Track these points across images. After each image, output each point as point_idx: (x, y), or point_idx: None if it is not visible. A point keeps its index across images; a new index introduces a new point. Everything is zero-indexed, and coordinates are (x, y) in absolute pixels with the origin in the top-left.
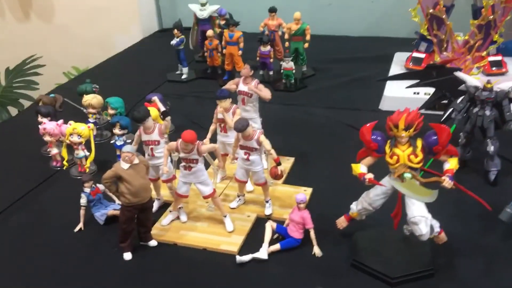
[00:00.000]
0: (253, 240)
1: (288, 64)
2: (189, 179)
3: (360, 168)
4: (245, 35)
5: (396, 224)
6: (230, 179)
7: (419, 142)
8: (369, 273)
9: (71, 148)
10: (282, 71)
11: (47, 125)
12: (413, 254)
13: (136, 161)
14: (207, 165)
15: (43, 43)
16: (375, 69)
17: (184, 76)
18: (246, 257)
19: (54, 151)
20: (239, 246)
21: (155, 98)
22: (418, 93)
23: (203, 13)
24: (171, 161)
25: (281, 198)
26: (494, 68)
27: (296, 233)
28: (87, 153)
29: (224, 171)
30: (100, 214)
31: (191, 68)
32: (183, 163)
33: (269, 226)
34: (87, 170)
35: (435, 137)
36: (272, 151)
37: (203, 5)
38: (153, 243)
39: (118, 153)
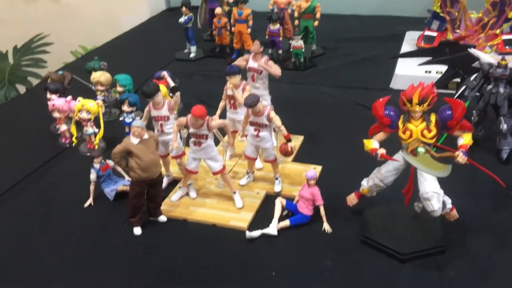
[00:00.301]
0: (262, 217)
1: (297, 43)
2: (199, 155)
3: (372, 143)
4: (254, 13)
5: (407, 201)
6: (240, 156)
7: (433, 117)
8: (379, 250)
9: (80, 125)
10: (291, 49)
11: (56, 101)
12: (424, 231)
13: (146, 136)
14: (216, 143)
15: (51, 22)
16: (385, 48)
17: (192, 55)
18: (256, 233)
19: (63, 127)
20: (248, 222)
21: (165, 73)
22: (430, 72)
23: None
24: (181, 137)
25: (291, 176)
26: (507, 47)
27: (305, 209)
28: (96, 130)
29: (234, 149)
30: (110, 190)
31: (199, 47)
32: (192, 139)
33: (279, 203)
34: (96, 147)
35: (449, 112)
36: (282, 128)
37: None
38: (162, 218)
39: (127, 130)
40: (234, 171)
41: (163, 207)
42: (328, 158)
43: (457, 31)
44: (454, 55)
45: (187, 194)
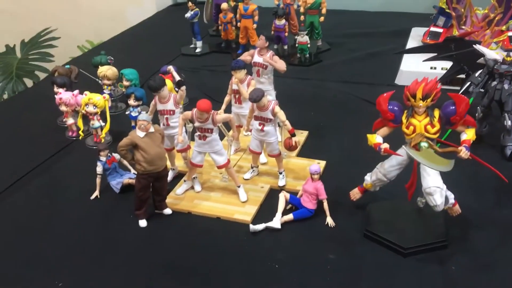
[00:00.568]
0: (266, 210)
1: (303, 38)
2: (203, 148)
3: (376, 138)
4: (260, 9)
5: (410, 196)
6: (244, 151)
7: (436, 112)
8: (382, 244)
9: (86, 118)
10: (297, 45)
11: (63, 95)
12: (427, 225)
13: (151, 129)
14: (221, 137)
15: (58, 17)
16: (391, 44)
17: (198, 50)
18: (260, 226)
19: (70, 121)
20: (252, 215)
21: (171, 68)
22: (435, 68)
23: None
24: (186, 132)
25: (295, 170)
26: None
27: (309, 203)
28: (103, 124)
29: (238, 143)
30: (116, 183)
31: (205, 42)
32: (198, 133)
33: (283, 196)
34: (103, 140)
35: (453, 107)
36: (287, 122)
37: None
38: (167, 211)
39: (133, 124)
40: (239, 165)
41: (168, 200)
42: (333, 153)
43: (463, 27)
44: (459, 51)
45: (192, 187)
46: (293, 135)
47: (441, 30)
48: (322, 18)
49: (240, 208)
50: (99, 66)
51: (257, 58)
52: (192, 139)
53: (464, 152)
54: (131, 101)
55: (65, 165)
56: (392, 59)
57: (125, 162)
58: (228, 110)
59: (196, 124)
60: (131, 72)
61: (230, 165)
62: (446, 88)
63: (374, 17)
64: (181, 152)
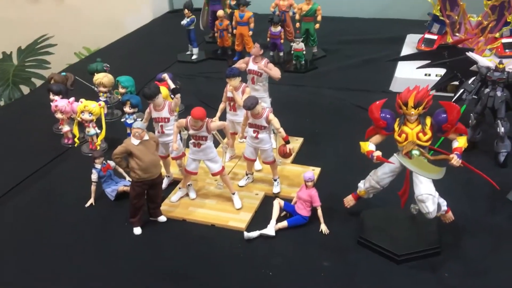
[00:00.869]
0: (261, 217)
1: (298, 45)
2: (198, 156)
3: (369, 146)
4: (255, 16)
5: (403, 203)
6: (239, 158)
7: (428, 120)
8: (376, 250)
9: (82, 125)
10: (292, 52)
11: (59, 102)
12: (420, 232)
13: (146, 137)
14: (216, 144)
15: (54, 24)
16: (386, 50)
17: (194, 57)
18: (254, 233)
19: (65, 128)
20: (247, 223)
21: (166, 75)
22: (429, 75)
23: None
24: (181, 139)
25: (290, 177)
26: (507, 50)
27: (303, 210)
28: (98, 131)
29: (233, 150)
30: (111, 190)
31: (201, 49)
32: (192, 140)
33: (277, 204)
34: (98, 147)
35: (444, 115)
36: (281, 130)
37: None
38: (162, 218)
39: (128, 131)
40: (234, 172)
41: (163, 207)
42: (327, 159)
43: (457, 34)
44: (452, 58)
45: (187, 194)
46: (287, 142)
47: (435, 37)
48: (317, 25)
49: (235, 215)
50: (95, 74)
51: (252, 66)
52: (187, 146)
53: (455, 160)
54: (127, 108)
55: (60, 172)
56: (387, 66)
57: (120, 170)
58: (223, 117)
59: (191, 131)
60: (127, 79)
61: (224, 172)
62: (441, 95)
63: (369, 24)
64: (176, 160)
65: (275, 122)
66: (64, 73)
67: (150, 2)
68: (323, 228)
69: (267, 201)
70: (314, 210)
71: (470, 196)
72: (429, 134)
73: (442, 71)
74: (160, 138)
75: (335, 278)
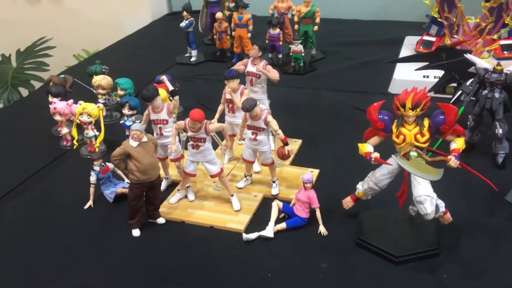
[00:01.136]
0: (259, 219)
1: (297, 47)
2: (196, 158)
3: (367, 147)
4: (254, 18)
5: (401, 204)
6: (238, 160)
7: (426, 122)
8: (374, 252)
9: (81, 127)
10: (291, 54)
11: (58, 105)
12: (418, 234)
13: (144, 139)
14: (215, 146)
15: (53, 26)
16: (384, 52)
17: (193, 59)
18: (252, 235)
19: (64, 130)
20: (245, 224)
21: (164, 78)
22: (428, 76)
23: None
24: (179, 140)
25: (288, 179)
26: (505, 52)
27: (302, 212)
28: (97, 133)
29: (232, 152)
30: (110, 192)
31: (200, 51)
32: (191, 142)
33: (276, 205)
34: (97, 149)
35: (442, 117)
36: (279, 131)
37: None
38: (161, 220)
39: (127, 133)
40: (233, 174)
41: (161, 209)
42: (326, 161)
43: (455, 36)
44: (450, 60)
45: (186, 196)
46: (285, 144)
47: (433, 39)
48: (316, 27)
49: (233, 217)
50: (94, 76)
51: (250, 68)
52: (186, 148)
53: (453, 161)
54: (126, 110)
55: (59, 174)
56: (386, 68)
57: (119, 172)
58: (221, 119)
59: (189, 133)
60: (126, 82)
61: (223, 174)
62: (440, 96)
63: (368, 26)
64: (174, 161)
65: (274, 124)
66: (63, 75)
67: (149, 4)
68: (322, 229)
69: (266, 202)
70: (312, 211)
71: (468, 197)
72: (427, 135)
73: (440, 72)
74: (159, 140)
75: (333, 280)
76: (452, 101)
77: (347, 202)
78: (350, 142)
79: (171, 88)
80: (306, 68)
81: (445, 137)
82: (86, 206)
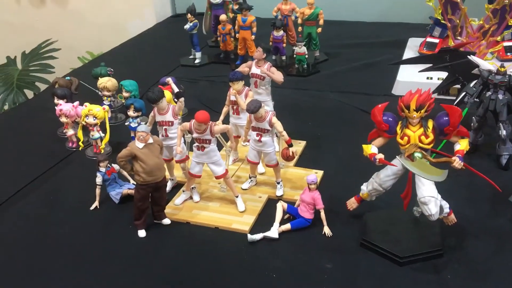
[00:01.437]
0: (264, 220)
1: (301, 49)
2: (202, 159)
3: (371, 148)
4: (258, 20)
5: (405, 205)
6: (242, 161)
7: (430, 123)
8: (378, 253)
9: (86, 129)
10: (294, 56)
11: (63, 107)
12: (423, 235)
13: (150, 140)
14: (220, 148)
15: (58, 28)
16: (388, 54)
17: (197, 61)
18: (257, 236)
19: (70, 132)
20: (250, 225)
21: (169, 79)
22: (431, 78)
23: None
24: (184, 142)
25: (293, 180)
26: (509, 54)
27: (306, 213)
28: (102, 135)
29: (236, 153)
30: (115, 193)
31: (204, 53)
32: (196, 144)
33: (280, 206)
34: (102, 151)
35: (446, 118)
36: (284, 133)
37: None
38: (166, 221)
39: (132, 135)
40: (237, 175)
41: (167, 210)
42: (330, 163)
43: (459, 38)
44: (454, 61)
45: (191, 197)
46: (290, 145)
47: (437, 41)
48: (319, 29)
49: (238, 218)
50: (99, 78)
51: (255, 70)
52: (191, 149)
53: (457, 162)
54: (131, 112)
55: (65, 176)
56: (389, 69)
57: (125, 173)
58: (226, 120)
59: (194, 135)
60: (131, 84)
61: (228, 175)
62: (443, 98)
63: (371, 28)
64: (179, 163)
65: (278, 125)
66: (68, 77)
67: (153, 6)
68: (326, 230)
69: (271, 204)
70: (317, 212)
71: (472, 198)
72: (431, 136)
73: (444, 74)
74: (164, 142)
75: (338, 280)
76: (456, 102)
77: (351, 203)
78: (354, 144)
79: (176, 90)
80: (309, 70)
81: (449, 138)
82: (92, 207)
